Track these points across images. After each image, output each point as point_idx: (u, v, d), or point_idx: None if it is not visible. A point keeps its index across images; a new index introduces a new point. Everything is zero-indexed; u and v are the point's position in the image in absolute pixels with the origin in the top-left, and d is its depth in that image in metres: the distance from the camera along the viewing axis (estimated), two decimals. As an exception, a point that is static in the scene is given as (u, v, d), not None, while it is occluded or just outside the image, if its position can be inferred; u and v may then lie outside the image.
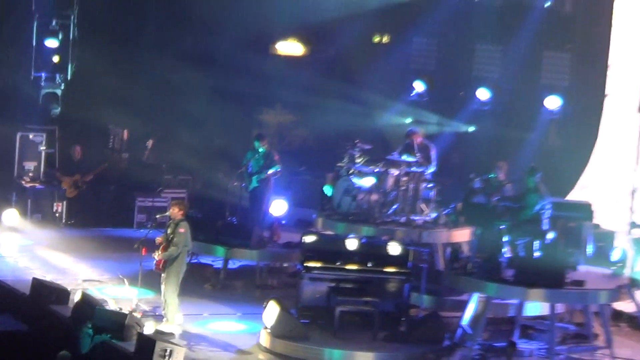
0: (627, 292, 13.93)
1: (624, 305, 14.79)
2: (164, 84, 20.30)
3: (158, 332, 13.32)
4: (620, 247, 15.96)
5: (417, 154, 16.36)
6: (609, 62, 19.84)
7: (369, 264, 14.49)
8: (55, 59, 20.48)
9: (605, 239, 16.49)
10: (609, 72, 19.87)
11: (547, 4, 20.99)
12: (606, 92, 20.08)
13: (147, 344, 12.15)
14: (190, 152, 20.38)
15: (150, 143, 20.87)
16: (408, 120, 21.40)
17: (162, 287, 13.77)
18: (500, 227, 15.16)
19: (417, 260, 15.27)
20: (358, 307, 14.21)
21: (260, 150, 17.38)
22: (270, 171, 17.45)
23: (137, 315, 13.67)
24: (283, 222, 17.79)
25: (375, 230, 15.94)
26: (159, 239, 13.77)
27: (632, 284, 13.99)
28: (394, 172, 16.16)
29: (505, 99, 21.18)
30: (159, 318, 13.86)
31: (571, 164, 19.93)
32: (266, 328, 13.62)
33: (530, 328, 14.89)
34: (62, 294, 14.26)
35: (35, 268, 16.37)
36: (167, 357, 12.24)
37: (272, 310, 13.43)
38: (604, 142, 19.99)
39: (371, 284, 14.56)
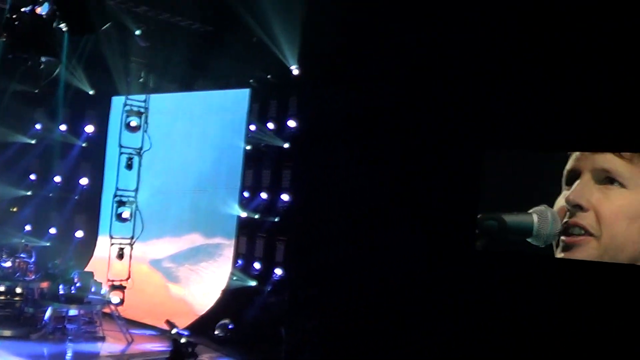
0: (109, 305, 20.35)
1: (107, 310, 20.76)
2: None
3: None
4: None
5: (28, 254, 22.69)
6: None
7: (9, 296, 20.88)
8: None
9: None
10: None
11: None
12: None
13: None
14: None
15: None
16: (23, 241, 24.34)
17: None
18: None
19: (28, 294, 21.03)
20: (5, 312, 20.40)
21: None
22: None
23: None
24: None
25: (11, 283, 21.26)
26: None
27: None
28: (18, 260, 22.12)
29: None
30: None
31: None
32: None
33: (71, 319, 20.44)
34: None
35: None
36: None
37: None
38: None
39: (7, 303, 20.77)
